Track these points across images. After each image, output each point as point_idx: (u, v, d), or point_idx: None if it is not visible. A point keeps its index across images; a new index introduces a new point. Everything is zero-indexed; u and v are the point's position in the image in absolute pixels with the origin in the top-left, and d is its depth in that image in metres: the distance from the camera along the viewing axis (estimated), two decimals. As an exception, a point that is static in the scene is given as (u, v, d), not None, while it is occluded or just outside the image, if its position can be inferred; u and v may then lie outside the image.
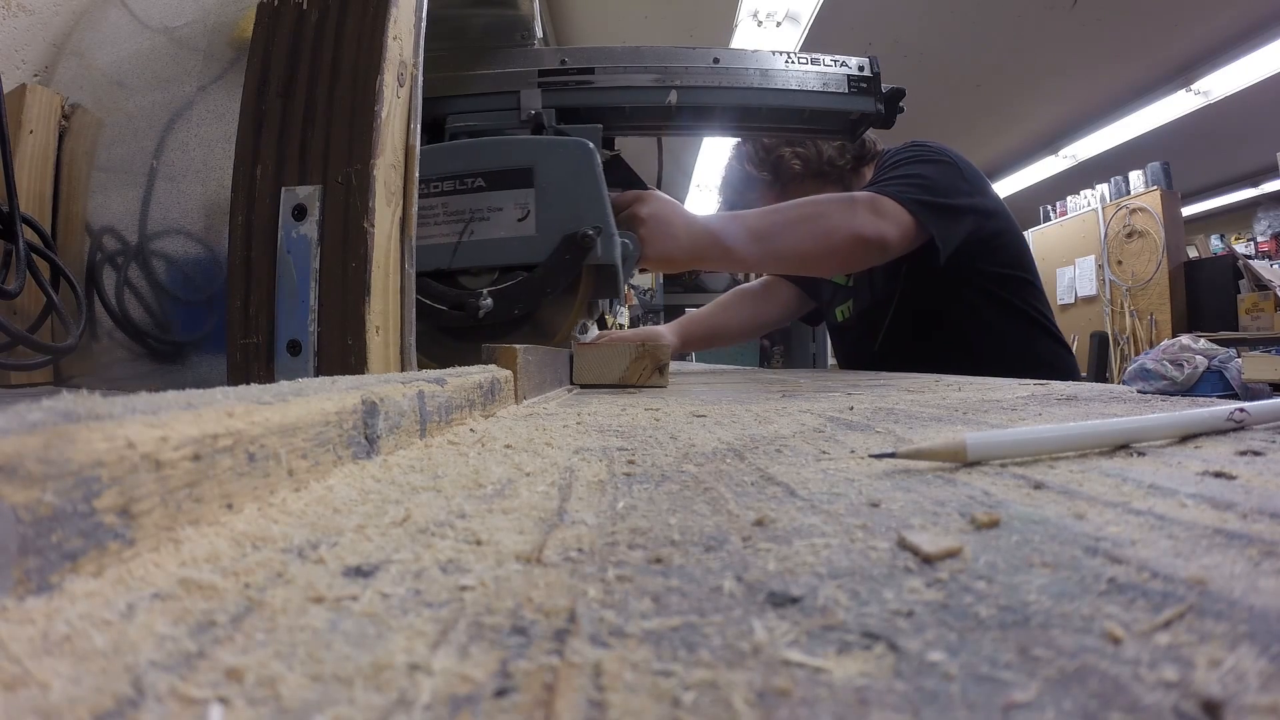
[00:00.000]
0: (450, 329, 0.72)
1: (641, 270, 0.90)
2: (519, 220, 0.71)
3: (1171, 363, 0.45)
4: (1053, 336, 1.16)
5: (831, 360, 1.98)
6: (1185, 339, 0.46)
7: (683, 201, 1.18)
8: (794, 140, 1.15)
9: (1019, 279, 1.12)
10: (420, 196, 0.71)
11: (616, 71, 0.85)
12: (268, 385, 0.21)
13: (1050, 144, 4.41)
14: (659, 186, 0.95)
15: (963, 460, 0.22)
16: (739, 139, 1.26)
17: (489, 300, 0.70)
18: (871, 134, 1.16)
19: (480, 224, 0.72)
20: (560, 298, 0.73)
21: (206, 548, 0.14)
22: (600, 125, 0.82)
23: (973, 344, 1.09)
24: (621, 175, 0.88)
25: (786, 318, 1.46)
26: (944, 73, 3.26)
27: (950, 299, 1.08)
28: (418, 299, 0.70)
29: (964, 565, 0.13)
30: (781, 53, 0.89)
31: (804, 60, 0.90)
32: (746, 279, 1.53)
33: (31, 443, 0.11)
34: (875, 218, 0.94)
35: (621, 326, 1.96)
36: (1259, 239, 4.79)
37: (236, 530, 0.15)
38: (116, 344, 0.63)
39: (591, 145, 0.74)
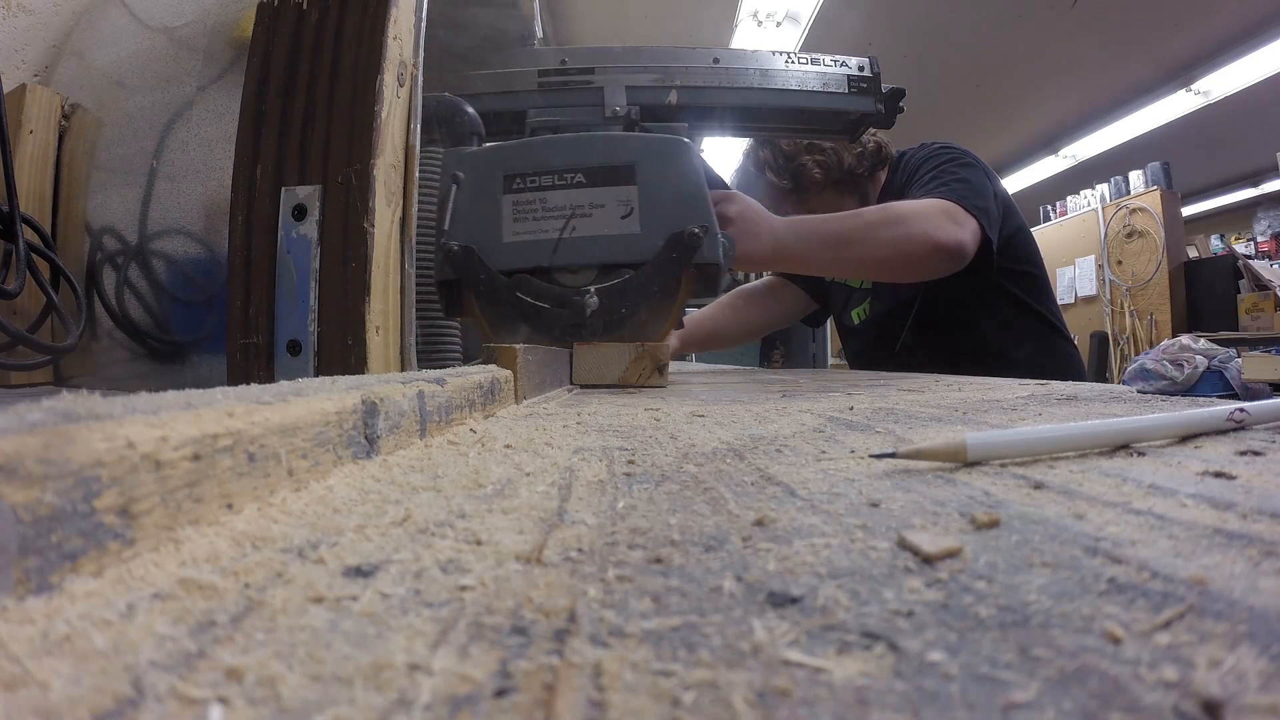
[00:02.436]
0: (550, 327, 0.70)
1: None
2: (622, 218, 0.70)
3: (1171, 363, 0.45)
4: (1064, 335, 1.17)
5: (832, 360, 1.98)
6: (1185, 339, 0.46)
7: None
8: (814, 148, 1.15)
9: (1031, 275, 1.13)
10: (517, 191, 0.71)
11: (616, 71, 0.85)
12: (268, 385, 0.21)
13: (1050, 144, 4.41)
14: None
15: (963, 460, 0.22)
16: (752, 144, 1.26)
17: (595, 298, 0.69)
18: (884, 137, 1.17)
19: (582, 220, 0.71)
20: (661, 297, 0.72)
21: (206, 548, 0.14)
22: (685, 124, 0.81)
23: (992, 344, 1.10)
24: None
25: (788, 319, 1.46)
26: (944, 73, 3.26)
27: (971, 299, 1.09)
28: (518, 296, 0.69)
29: (964, 565, 0.13)
30: (781, 53, 0.90)
31: (804, 60, 0.90)
32: (747, 279, 1.53)
33: (31, 443, 0.11)
34: (952, 225, 0.93)
35: None
36: (1259, 239, 4.79)
37: (236, 530, 0.15)
38: (116, 344, 0.63)
39: (690, 142, 0.73)
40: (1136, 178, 4.19)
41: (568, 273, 0.72)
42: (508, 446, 0.27)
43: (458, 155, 0.72)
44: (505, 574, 0.13)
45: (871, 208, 0.97)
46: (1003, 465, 0.22)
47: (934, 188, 1.01)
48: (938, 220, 0.93)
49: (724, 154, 2.90)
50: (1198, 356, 0.44)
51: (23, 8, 0.71)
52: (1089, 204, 4.51)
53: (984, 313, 1.10)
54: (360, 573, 0.13)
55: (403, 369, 0.48)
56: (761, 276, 1.47)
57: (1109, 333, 4.13)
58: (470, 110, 0.75)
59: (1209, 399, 0.42)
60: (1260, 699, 0.08)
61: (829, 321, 1.55)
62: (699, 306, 1.49)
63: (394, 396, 0.25)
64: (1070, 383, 0.64)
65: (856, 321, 1.27)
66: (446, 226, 0.70)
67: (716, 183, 0.88)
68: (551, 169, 0.71)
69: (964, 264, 0.96)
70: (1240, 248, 4.68)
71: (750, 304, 1.42)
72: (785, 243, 0.89)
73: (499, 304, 0.71)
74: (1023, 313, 1.12)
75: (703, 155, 0.82)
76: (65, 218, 0.65)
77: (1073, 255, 4.56)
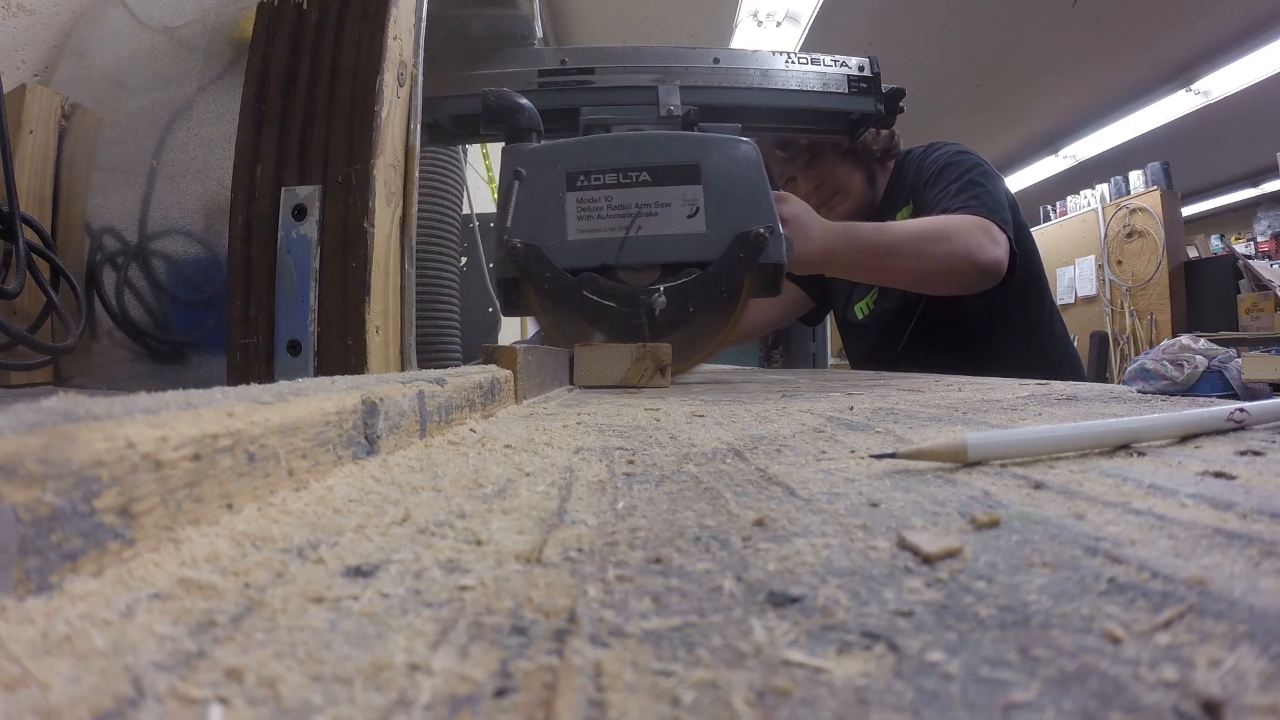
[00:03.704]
0: (616, 327, 0.70)
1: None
2: (688, 217, 0.70)
3: (1171, 363, 0.45)
4: (1064, 335, 1.17)
5: (832, 360, 1.97)
6: (1185, 339, 0.46)
7: None
8: None
9: (1033, 275, 1.13)
10: (581, 189, 0.71)
11: (616, 71, 0.85)
12: (268, 385, 0.21)
13: (1050, 144, 4.41)
14: None
15: (963, 460, 0.22)
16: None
17: (663, 297, 0.69)
18: (896, 132, 1.16)
19: (648, 219, 0.70)
20: (725, 299, 0.72)
21: (206, 548, 0.14)
22: (740, 124, 0.82)
23: (996, 343, 1.10)
24: None
25: (787, 317, 1.46)
26: (944, 73, 3.26)
27: (975, 301, 1.09)
28: (584, 295, 0.69)
29: (964, 565, 0.13)
30: (781, 53, 0.90)
31: (804, 60, 0.90)
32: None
33: (31, 443, 0.11)
34: (990, 243, 0.94)
35: None
36: (1259, 239, 4.79)
37: (236, 530, 0.15)
38: (116, 344, 0.63)
39: (754, 144, 0.73)
40: (1136, 178, 4.18)
41: (631, 271, 0.71)
42: (508, 446, 0.27)
43: (519, 151, 0.72)
44: (505, 574, 0.13)
45: (915, 221, 0.98)
46: (1003, 465, 0.22)
47: (965, 200, 1.01)
48: (979, 239, 0.94)
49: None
50: (1198, 356, 0.44)
51: (23, 8, 0.71)
52: (1089, 204, 4.51)
53: (987, 316, 1.10)
54: (360, 573, 0.13)
55: (403, 369, 0.48)
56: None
57: (1109, 333, 4.13)
58: (527, 104, 0.74)
59: (1209, 399, 0.42)
60: (1260, 699, 0.08)
61: (829, 320, 1.55)
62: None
63: (394, 396, 0.25)
64: (1070, 383, 0.64)
65: (861, 316, 1.27)
66: (509, 224, 0.70)
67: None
68: (616, 167, 0.71)
69: (998, 281, 0.97)
70: (1240, 248, 4.68)
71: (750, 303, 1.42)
72: (835, 247, 0.89)
73: (564, 303, 0.71)
74: (1024, 314, 1.12)
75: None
76: (65, 218, 0.65)
77: (1073, 255, 4.56)
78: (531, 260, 0.69)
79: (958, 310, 1.10)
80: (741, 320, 0.76)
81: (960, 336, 1.12)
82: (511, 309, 0.73)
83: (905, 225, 0.96)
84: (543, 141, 0.74)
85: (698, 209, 0.70)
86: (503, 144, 0.75)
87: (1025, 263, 1.12)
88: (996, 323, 1.11)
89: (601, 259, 0.70)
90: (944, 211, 1.00)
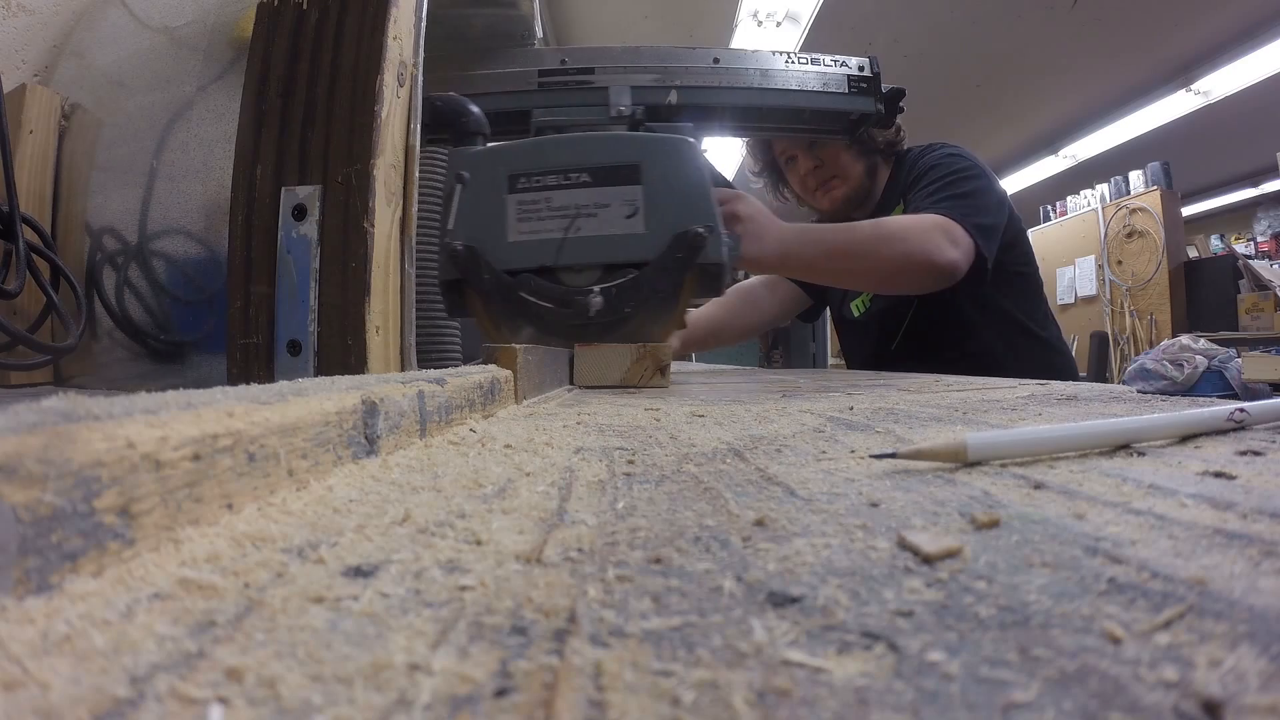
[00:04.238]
0: (554, 327, 0.71)
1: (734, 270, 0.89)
2: (627, 218, 0.70)
3: (1171, 363, 0.45)
4: (1060, 339, 1.18)
5: (832, 360, 1.98)
6: (1185, 339, 0.46)
7: None
8: None
9: (1026, 276, 1.14)
10: (521, 191, 0.71)
11: (616, 71, 0.85)
12: (268, 385, 0.21)
13: (1050, 144, 4.41)
14: None
15: (963, 460, 0.22)
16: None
17: (600, 297, 0.69)
18: (901, 128, 1.16)
19: (587, 220, 0.71)
20: (665, 297, 0.72)
21: (206, 548, 0.14)
22: (691, 124, 0.81)
23: (986, 346, 1.10)
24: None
25: (785, 315, 1.47)
26: (944, 73, 3.26)
27: (968, 302, 1.09)
28: (521, 296, 0.69)
29: (964, 565, 0.13)
30: (781, 53, 0.90)
31: (804, 60, 0.90)
32: (746, 276, 1.53)
33: (31, 443, 0.11)
34: (949, 244, 0.94)
35: None
36: (1259, 239, 4.79)
37: (236, 530, 0.15)
38: (116, 344, 0.63)
39: (695, 142, 0.73)
40: (1136, 178, 4.18)
41: (571, 272, 0.72)
42: (508, 446, 0.27)
43: (462, 155, 0.72)
44: (505, 574, 0.13)
45: (872, 221, 0.98)
46: (1003, 465, 0.22)
47: (937, 201, 1.01)
48: (936, 240, 0.94)
49: (724, 153, 2.90)
50: (1198, 356, 0.44)
51: (23, 8, 0.71)
52: (1089, 204, 4.50)
53: (980, 315, 1.11)
54: (360, 573, 0.13)
55: (403, 369, 0.48)
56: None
57: (1109, 333, 4.13)
58: (475, 109, 0.75)
59: (1209, 399, 0.42)
60: (1260, 699, 0.08)
61: (828, 319, 1.55)
62: (694, 307, 1.49)
63: (394, 396, 0.25)
64: (1070, 383, 0.64)
65: (858, 314, 1.27)
66: (451, 226, 0.70)
67: (722, 182, 0.88)
68: (556, 168, 0.71)
69: (954, 282, 0.97)
70: (1240, 248, 4.68)
71: (747, 301, 1.42)
72: (791, 249, 0.89)
73: (502, 304, 0.71)
74: (1018, 315, 1.12)
75: (707, 156, 0.82)
76: (65, 218, 0.65)
77: (1073, 255, 4.56)
78: (471, 262, 0.70)
79: (951, 310, 1.11)
80: (738, 318, 0.76)
81: (954, 336, 1.12)
82: (454, 311, 0.73)
83: (862, 226, 0.97)
84: (488, 145, 0.75)
85: (637, 209, 0.70)
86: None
87: (1019, 265, 1.12)
88: (990, 323, 1.11)
89: (540, 260, 0.71)
90: (916, 212, 1.00)
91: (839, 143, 1.14)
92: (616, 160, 0.71)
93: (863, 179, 1.18)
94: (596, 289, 0.69)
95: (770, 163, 1.28)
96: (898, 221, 0.98)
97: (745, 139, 1.35)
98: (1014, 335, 1.12)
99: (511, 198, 0.71)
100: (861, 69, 0.91)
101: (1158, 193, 4.01)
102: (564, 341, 0.70)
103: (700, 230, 0.69)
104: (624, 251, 0.70)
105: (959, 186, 1.04)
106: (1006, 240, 1.08)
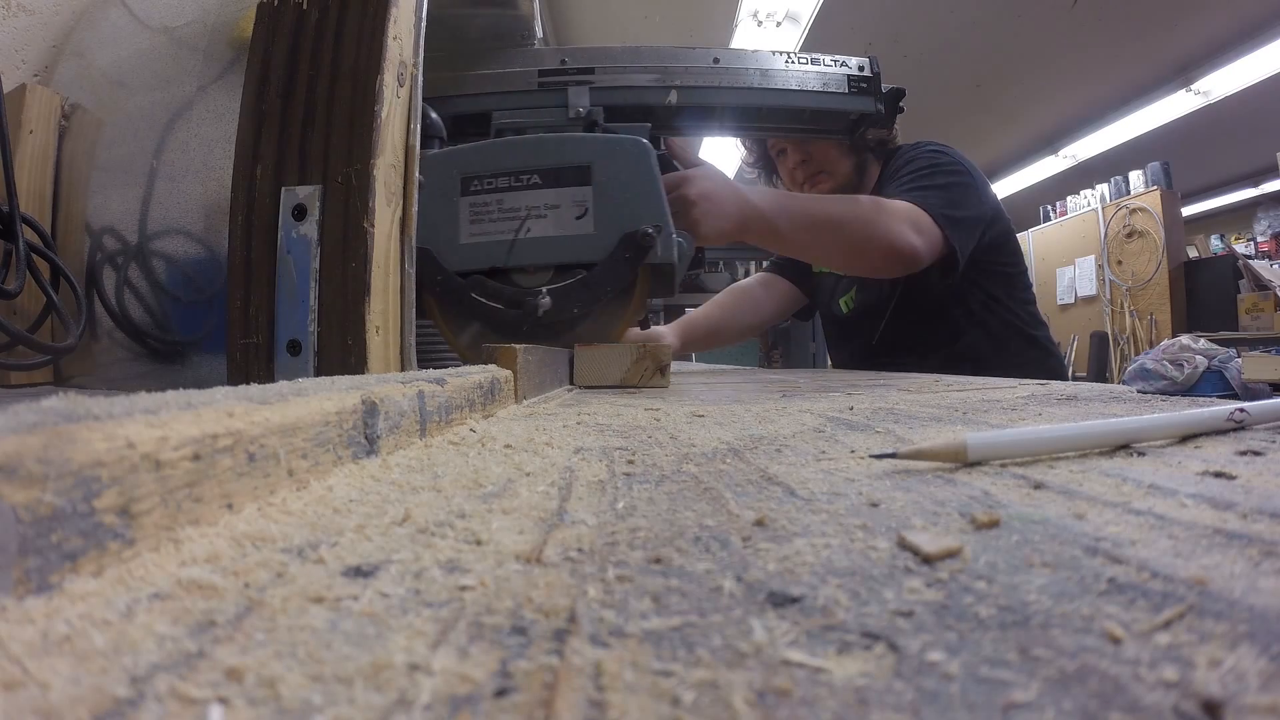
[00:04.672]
0: (504, 328, 0.71)
1: (698, 249, 0.88)
2: (577, 218, 0.71)
3: (1171, 363, 0.45)
4: (1048, 340, 1.17)
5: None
6: (1185, 339, 0.46)
7: None
8: None
9: (1013, 276, 1.13)
10: (474, 193, 0.71)
11: (616, 71, 0.85)
12: (268, 385, 0.21)
13: (1050, 144, 4.41)
14: None
15: (963, 460, 0.22)
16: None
17: (547, 298, 0.69)
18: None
19: (537, 221, 0.71)
20: (616, 297, 0.72)
21: (206, 548, 0.14)
22: (649, 124, 0.82)
23: (971, 340, 1.10)
24: (668, 171, 0.88)
25: (783, 313, 1.47)
26: (944, 73, 3.26)
27: (951, 296, 1.09)
28: (472, 297, 0.70)
29: (964, 565, 0.13)
30: (781, 53, 0.89)
31: (804, 60, 0.90)
32: (734, 277, 1.53)
33: (31, 443, 0.11)
34: (913, 231, 0.94)
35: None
36: (1259, 239, 4.79)
37: (236, 530, 0.15)
38: (116, 344, 0.63)
39: (647, 143, 0.73)
40: (1136, 178, 4.18)
41: (524, 273, 0.72)
42: (508, 446, 0.27)
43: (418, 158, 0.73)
44: (505, 574, 0.13)
45: (841, 197, 0.98)
46: (1003, 465, 0.22)
47: (909, 190, 1.01)
48: (900, 224, 0.94)
49: (723, 153, 2.90)
50: (1198, 356, 0.44)
51: (23, 8, 0.71)
52: (1089, 204, 4.51)
53: (964, 313, 1.11)
54: (360, 573, 0.13)
55: (403, 369, 0.48)
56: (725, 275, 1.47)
57: (1109, 333, 4.14)
58: (433, 115, 0.75)
59: (1209, 399, 0.42)
60: (1260, 699, 0.08)
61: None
62: (695, 306, 1.50)
63: (394, 396, 0.25)
64: (1070, 383, 0.64)
65: (845, 310, 1.27)
66: None
67: (682, 167, 0.88)
68: (508, 170, 0.72)
69: (915, 270, 0.97)
70: (1240, 248, 4.68)
71: (744, 300, 1.42)
72: (752, 217, 0.89)
73: (455, 305, 0.72)
74: (1001, 314, 1.12)
75: (664, 154, 0.83)
76: (65, 218, 0.65)
77: (1073, 255, 4.56)
78: (424, 264, 0.70)
79: (932, 306, 1.10)
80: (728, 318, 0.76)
81: (938, 334, 1.12)
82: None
83: (829, 199, 0.97)
84: (444, 148, 0.75)
85: (586, 210, 0.71)
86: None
87: (1006, 265, 1.12)
88: (976, 322, 1.11)
89: (491, 262, 0.71)
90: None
91: (831, 138, 1.14)
92: (567, 162, 0.71)
93: (850, 175, 1.18)
94: (544, 290, 0.70)
95: (764, 156, 1.29)
96: (864, 202, 0.98)
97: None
98: (1001, 335, 1.11)
99: (464, 200, 0.72)
100: (861, 69, 0.91)
101: (1158, 193, 4.01)
102: (519, 339, 0.70)
103: (648, 230, 0.70)
104: (573, 252, 0.71)
105: (934, 179, 1.04)
106: (992, 240, 1.07)
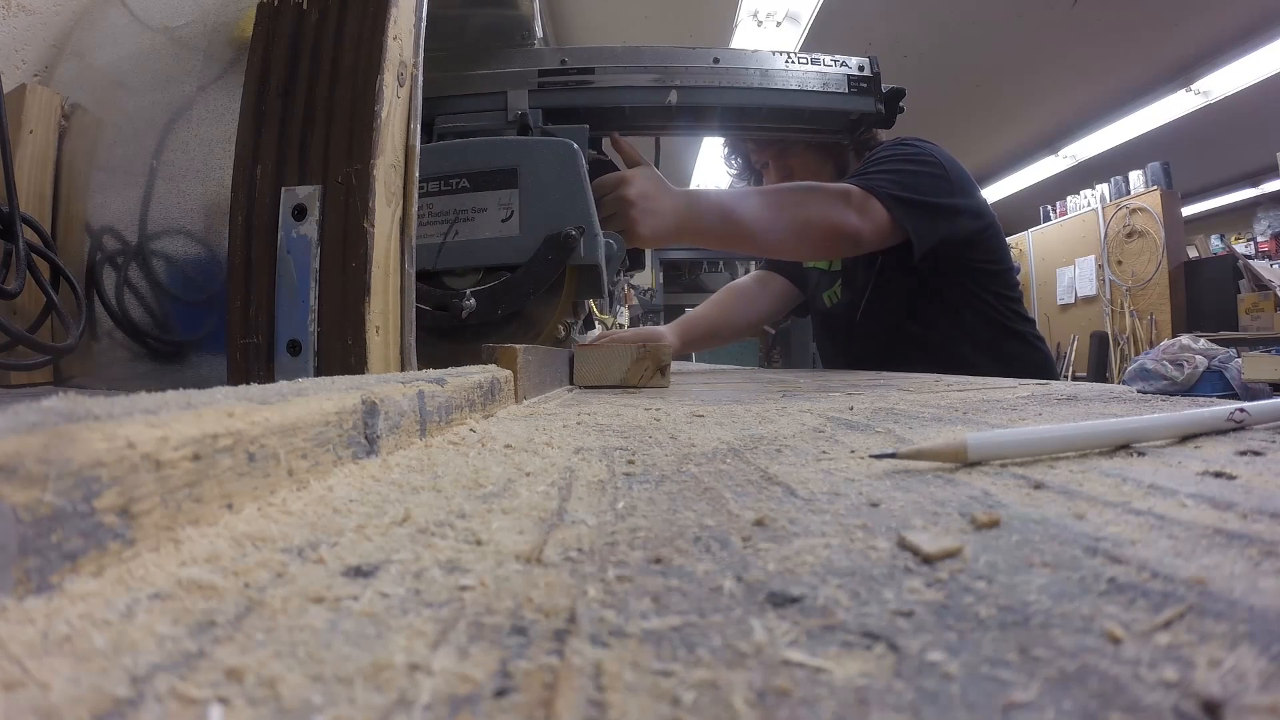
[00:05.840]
0: (437, 329, 0.72)
1: (632, 250, 0.89)
2: (503, 221, 0.72)
3: (1171, 363, 0.45)
4: (1035, 337, 1.17)
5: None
6: (1185, 339, 0.46)
7: None
8: None
9: (996, 274, 1.13)
10: None
11: (616, 71, 0.85)
12: (268, 385, 0.21)
13: (1050, 144, 4.41)
14: None
15: (963, 460, 0.22)
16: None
17: (472, 300, 0.70)
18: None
19: (465, 224, 0.72)
20: (545, 297, 0.73)
21: (206, 548, 0.14)
22: (587, 126, 0.82)
23: (946, 334, 1.10)
24: (607, 172, 0.88)
25: (782, 311, 1.47)
26: (944, 73, 3.26)
27: (925, 292, 1.09)
28: None
29: (964, 565, 0.13)
30: (781, 53, 0.90)
31: (804, 60, 0.90)
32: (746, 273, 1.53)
33: (31, 443, 0.11)
34: (854, 212, 0.95)
35: (621, 326, 1.95)
36: (1259, 239, 4.79)
37: (236, 530, 0.15)
38: (116, 344, 0.63)
39: (575, 145, 0.74)
40: (1136, 178, 4.18)
41: (453, 275, 0.73)
42: (508, 446, 0.27)
43: None
44: (505, 574, 0.13)
45: (774, 187, 0.99)
46: (1003, 465, 0.22)
47: (865, 176, 1.01)
48: (839, 205, 0.95)
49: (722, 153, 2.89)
50: (1198, 356, 0.44)
51: (23, 8, 0.71)
52: (1089, 204, 4.50)
53: (938, 308, 1.10)
54: (360, 573, 0.13)
55: (403, 369, 0.48)
56: (751, 271, 1.48)
57: (1109, 333, 4.14)
58: None
59: (1209, 399, 0.42)
60: (1260, 699, 0.08)
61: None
62: (695, 306, 1.50)
63: (394, 396, 0.25)
64: (1070, 383, 0.64)
65: (830, 304, 1.27)
66: None
67: (626, 166, 0.88)
68: (438, 175, 0.72)
69: (862, 251, 0.98)
70: (1240, 248, 4.68)
71: (742, 299, 1.42)
72: (687, 217, 0.89)
73: None
74: (980, 309, 1.11)
75: (604, 158, 0.83)
76: (65, 218, 0.65)
77: (1073, 255, 4.56)
78: None
79: (903, 298, 1.10)
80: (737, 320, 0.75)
81: (914, 328, 1.11)
82: None
83: (767, 192, 0.97)
84: None
85: (512, 213, 0.72)
86: None
87: (988, 261, 1.12)
88: (946, 313, 1.10)
89: (421, 264, 0.72)
90: None
91: (802, 147, 1.15)
92: (494, 165, 0.72)
93: (834, 179, 1.17)
94: (468, 292, 0.71)
95: (748, 168, 1.29)
96: (801, 186, 0.99)
97: (724, 142, 1.36)
98: (982, 331, 1.10)
99: None
100: (861, 69, 0.91)
101: (1158, 193, 4.01)
102: (450, 342, 0.71)
103: (571, 231, 0.70)
104: (500, 254, 0.72)
105: (890, 165, 1.04)
106: (969, 236, 1.06)
